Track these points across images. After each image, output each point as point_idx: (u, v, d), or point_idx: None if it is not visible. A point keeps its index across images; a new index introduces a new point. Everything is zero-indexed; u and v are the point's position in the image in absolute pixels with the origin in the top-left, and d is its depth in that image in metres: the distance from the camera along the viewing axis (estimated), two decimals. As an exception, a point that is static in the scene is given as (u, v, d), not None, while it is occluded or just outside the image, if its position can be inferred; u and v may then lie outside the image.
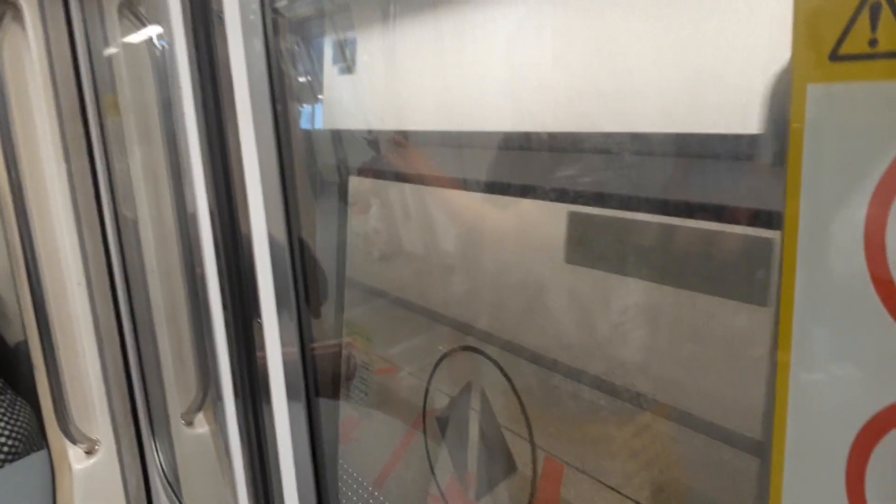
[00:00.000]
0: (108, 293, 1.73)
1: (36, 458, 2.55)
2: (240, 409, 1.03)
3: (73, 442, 1.78)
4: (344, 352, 1.29)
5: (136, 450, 1.84)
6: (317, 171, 1.33)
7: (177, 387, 1.81)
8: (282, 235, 0.91)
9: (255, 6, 0.83)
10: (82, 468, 1.80)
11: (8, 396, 2.69)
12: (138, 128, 1.64)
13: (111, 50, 1.60)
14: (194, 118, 0.93)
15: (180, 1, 0.89)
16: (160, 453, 1.79)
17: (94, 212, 1.67)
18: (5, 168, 1.53)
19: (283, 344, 0.94)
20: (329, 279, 1.33)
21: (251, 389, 1.01)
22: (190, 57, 0.91)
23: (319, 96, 1.55)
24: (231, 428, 1.06)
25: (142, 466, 1.85)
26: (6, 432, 2.58)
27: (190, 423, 1.79)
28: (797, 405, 0.38)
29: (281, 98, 0.86)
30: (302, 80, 1.46)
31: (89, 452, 1.81)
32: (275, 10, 0.89)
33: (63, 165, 1.60)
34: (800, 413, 0.38)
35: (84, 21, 1.56)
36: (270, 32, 0.84)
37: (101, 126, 1.60)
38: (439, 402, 1.06)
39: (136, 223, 1.69)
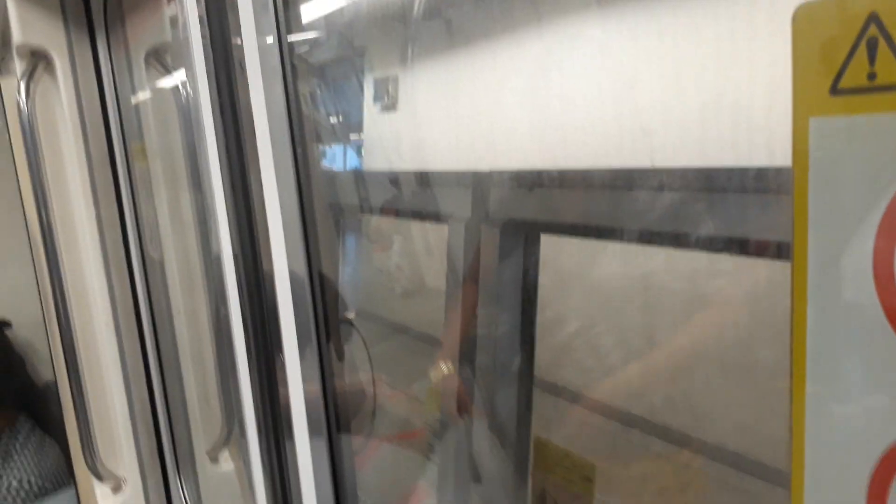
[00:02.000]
0: (136, 333, 1.76)
1: (64, 496, 2.57)
2: (263, 445, 1.04)
3: (100, 479, 1.79)
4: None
5: (161, 487, 1.84)
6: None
7: (202, 424, 1.82)
8: (303, 272, 0.93)
9: (275, 52, 0.86)
10: (109, 506, 1.80)
11: (36, 436, 2.73)
12: (164, 172, 1.68)
13: (139, 97, 1.65)
14: (218, 162, 0.96)
15: (204, 51, 0.92)
16: (185, 490, 1.80)
17: (122, 255, 1.71)
18: (37, 213, 1.58)
19: (305, 380, 0.95)
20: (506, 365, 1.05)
21: (274, 425, 1.02)
22: (213, 103, 0.94)
23: (353, 136, 1.56)
24: (255, 464, 1.07)
25: (167, 503, 1.85)
26: (35, 471, 2.61)
27: (215, 460, 1.79)
28: (814, 436, 0.38)
29: (301, 140, 0.88)
30: (332, 120, 1.47)
31: (116, 490, 1.81)
32: (296, 56, 0.92)
33: (92, 210, 1.64)
34: (818, 444, 0.38)
35: (112, 70, 1.61)
36: (290, 78, 0.87)
37: (129, 172, 1.65)
38: None
39: (162, 265, 1.72)
